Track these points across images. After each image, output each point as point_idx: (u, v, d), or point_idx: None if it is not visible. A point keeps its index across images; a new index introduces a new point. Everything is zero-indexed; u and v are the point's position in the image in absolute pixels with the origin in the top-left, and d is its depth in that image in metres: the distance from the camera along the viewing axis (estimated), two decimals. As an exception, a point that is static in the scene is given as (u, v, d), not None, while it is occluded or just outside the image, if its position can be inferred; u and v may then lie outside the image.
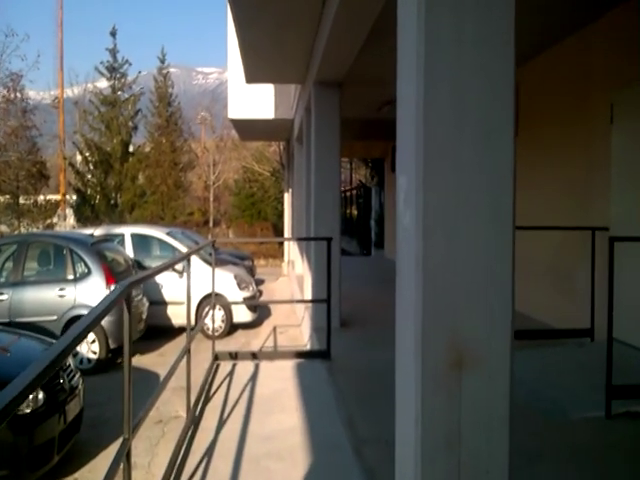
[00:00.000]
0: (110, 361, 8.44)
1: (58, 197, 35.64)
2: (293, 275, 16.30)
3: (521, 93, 8.74)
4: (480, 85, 2.29)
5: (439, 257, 2.24)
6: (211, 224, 37.54)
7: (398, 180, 2.55)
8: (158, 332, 10.28)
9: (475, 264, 2.24)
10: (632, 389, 4.35)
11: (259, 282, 18.60)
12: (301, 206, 12.72)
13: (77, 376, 5.38)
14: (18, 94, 30.98)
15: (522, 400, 4.18)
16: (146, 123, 36.41)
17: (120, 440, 2.78)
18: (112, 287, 8.22)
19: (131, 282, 2.72)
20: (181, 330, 10.62)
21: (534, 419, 4.26)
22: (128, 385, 2.70)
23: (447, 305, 2.23)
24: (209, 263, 10.67)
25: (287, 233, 20.70)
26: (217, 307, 10.48)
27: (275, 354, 6.30)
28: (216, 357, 6.17)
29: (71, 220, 34.16)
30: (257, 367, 6.03)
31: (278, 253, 27.65)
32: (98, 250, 8.53)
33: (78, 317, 8.15)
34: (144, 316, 9.21)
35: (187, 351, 4.37)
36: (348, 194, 31.83)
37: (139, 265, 10.47)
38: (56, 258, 8.67)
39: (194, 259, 10.51)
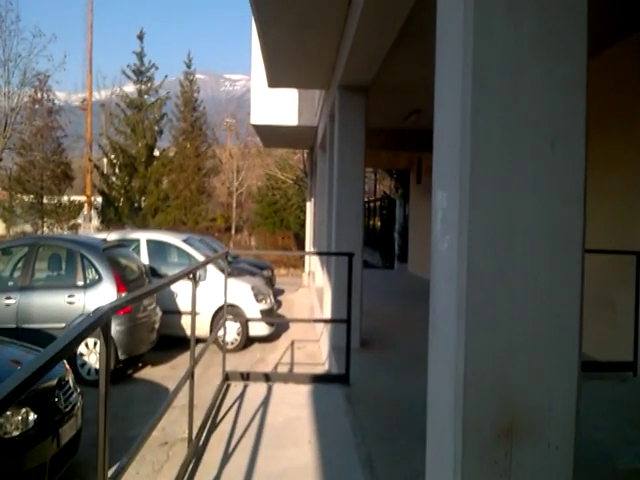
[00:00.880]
0: (120, 373, 8.08)
1: (82, 198, 35.71)
2: (313, 287, 15.89)
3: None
4: (542, 87, 1.86)
5: (487, 293, 1.81)
6: (233, 231, 37.28)
7: (435, 196, 2.13)
8: (171, 342, 9.92)
9: (533, 303, 1.79)
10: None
11: (278, 292, 18.23)
12: (323, 216, 12.31)
13: (75, 394, 5.00)
14: (45, 94, 31.18)
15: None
16: (171, 127, 36.35)
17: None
18: (123, 295, 7.87)
19: (111, 307, 2.31)
20: (196, 341, 10.25)
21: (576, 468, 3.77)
22: (103, 434, 2.28)
23: (496, 354, 1.79)
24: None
25: (308, 243, 20.30)
26: (233, 319, 10.11)
27: (290, 377, 5.88)
28: (227, 377, 5.76)
29: (95, 222, 34.16)
30: (270, 390, 5.61)
31: (299, 263, 27.25)
32: (110, 256, 8.19)
33: (86, 326, 7.81)
34: (156, 326, 8.85)
35: (190, 376, 3.96)
36: (372, 205, 31.37)
37: (154, 272, 10.12)
38: (66, 263, 8.34)
39: (210, 268, 10.15)
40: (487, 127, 1.84)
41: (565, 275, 1.80)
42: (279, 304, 15.80)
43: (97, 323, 2.17)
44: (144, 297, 3.11)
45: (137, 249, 10.28)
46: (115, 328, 7.67)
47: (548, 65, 1.87)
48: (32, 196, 31.68)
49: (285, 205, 36.61)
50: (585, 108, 1.88)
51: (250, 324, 10.14)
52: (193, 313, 4.13)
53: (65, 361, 5.19)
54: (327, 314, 9.54)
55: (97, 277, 7.90)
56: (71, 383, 5.08)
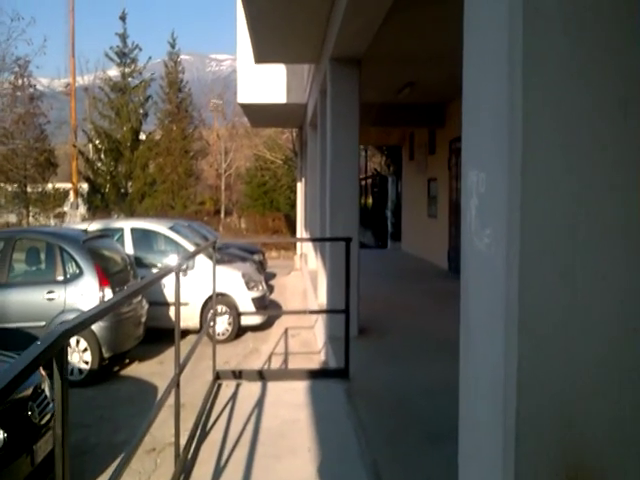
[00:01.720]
0: (104, 371, 7.65)
1: (67, 186, 35.01)
2: (306, 270, 15.47)
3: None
4: (617, 41, 1.41)
5: (545, 305, 1.37)
6: (222, 214, 36.71)
7: (466, 178, 1.69)
8: (159, 335, 9.48)
9: (608, 319, 1.36)
10: None
11: (270, 276, 17.80)
12: (315, 197, 11.85)
13: (51, 405, 4.55)
14: (25, 80, 30.34)
15: None
16: (156, 110, 35.59)
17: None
18: (106, 289, 7.41)
19: (66, 330, 1.86)
20: (185, 333, 9.82)
21: None
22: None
23: (558, 387, 1.36)
24: (216, 261, 9.85)
25: (300, 225, 19.83)
26: (224, 308, 9.67)
27: (285, 373, 5.47)
28: (217, 376, 5.34)
29: (82, 209, 33.51)
30: (264, 388, 5.19)
31: (291, 245, 26.78)
32: (91, 248, 7.70)
33: (68, 322, 7.35)
34: (143, 319, 8.41)
35: (176, 385, 3.52)
36: (363, 183, 30.86)
37: (140, 263, 9.65)
38: (45, 257, 7.86)
39: (199, 256, 9.68)
40: (544, 90, 1.40)
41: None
42: (271, 289, 15.38)
43: (49, 351, 1.71)
44: (111, 309, 2.63)
45: (121, 239, 9.79)
46: (98, 324, 7.21)
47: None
48: (15, 185, 30.95)
49: (275, 186, 36.05)
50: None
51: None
52: (177, 314, 3.68)
53: (41, 367, 4.76)
54: (322, 300, 9.13)
55: (78, 271, 7.42)
56: (47, 391, 4.63)
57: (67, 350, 1.89)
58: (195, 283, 9.29)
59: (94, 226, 9.38)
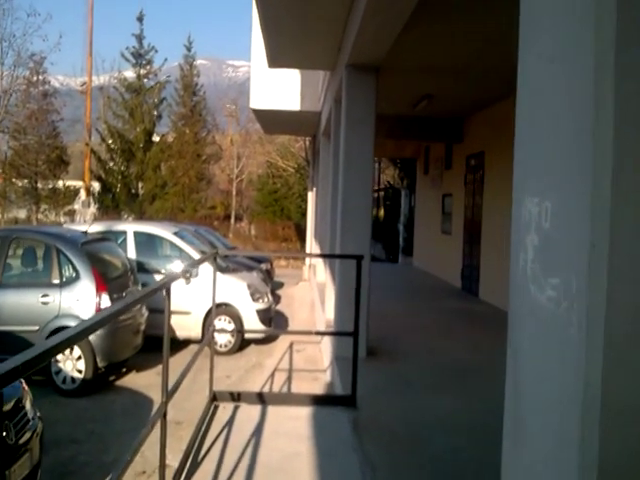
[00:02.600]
0: (98, 381, 7.29)
1: (78, 183, 34.87)
2: (314, 281, 15.10)
3: None
4: None
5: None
6: (232, 220, 36.41)
7: (520, 206, 1.32)
8: (159, 344, 9.13)
9: None
10: None
11: (278, 285, 17.45)
12: (326, 208, 11.50)
13: (32, 421, 4.20)
14: (40, 77, 30.27)
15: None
16: (170, 112, 35.46)
17: None
18: (103, 295, 7.08)
19: (12, 369, 1.49)
20: (186, 343, 9.47)
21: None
22: None
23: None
24: (220, 268, 9.52)
25: (309, 235, 19.48)
26: (227, 320, 9.32)
27: (287, 398, 5.10)
28: (214, 397, 4.97)
29: (92, 208, 33.37)
30: (264, 414, 4.82)
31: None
32: (90, 251, 7.37)
33: (63, 329, 7.00)
34: (142, 327, 8.06)
35: (162, 416, 3.16)
36: (375, 195, 30.49)
37: (142, 268, 9.32)
38: (40, 258, 7.52)
39: (203, 264, 9.36)
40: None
41: None
42: (278, 299, 15.03)
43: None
44: (90, 332, 2.27)
45: (123, 242, 9.47)
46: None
47: None
48: (26, 181, 30.81)
49: (286, 194, 35.72)
50: None
51: (246, 324, 9.35)
52: (167, 338, 3.32)
53: (23, 380, 4.41)
54: (329, 315, 8.76)
55: (74, 274, 7.09)
56: (28, 407, 4.28)
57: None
58: (198, 291, 8.95)
59: (95, 228, 9.05)
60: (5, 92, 25.72)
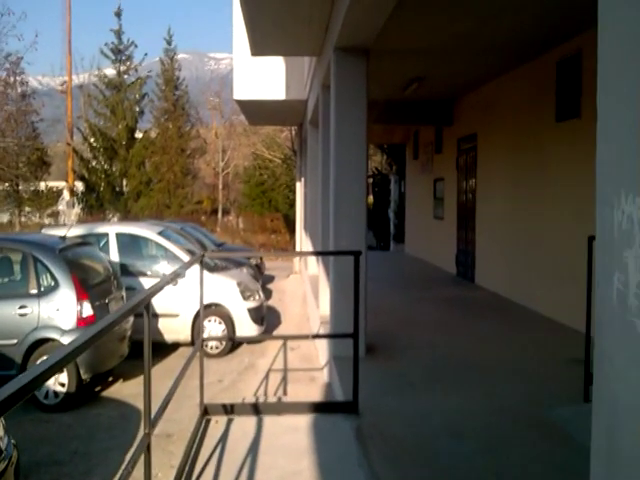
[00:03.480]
0: (83, 393, 6.89)
1: (60, 184, 34.28)
2: (306, 274, 14.73)
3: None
4: None
5: None
6: (220, 214, 35.92)
7: (607, 207, 0.95)
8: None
9: None
10: None
11: (268, 279, 17.09)
12: (316, 199, 11.11)
13: (4, 453, 3.81)
14: (17, 78, 29.55)
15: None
16: (152, 108, 34.87)
17: None
18: (84, 304, 6.67)
19: None
20: (175, 347, 9.09)
21: None
22: None
23: None
24: (209, 267, 9.13)
25: (299, 226, 19.08)
26: (217, 320, 8.94)
27: (283, 406, 4.73)
28: (205, 411, 4.59)
29: (77, 208, 32.80)
30: (260, 426, 4.46)
31: (290, 246, 26.10)
32: (68, 257, 6.94)
33: (43, 341, 6.62)
34: (128, 334, 7.66)
35: (146, 448, 2.78)
36: (363, 182, 30.02)
37: (126, 271, 8.91)
38: (16, 267, 7.09)
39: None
40: None
41: None
42: (269, 293, 14.67)
43: None
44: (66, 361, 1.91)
45: (106, 245, 9.05)
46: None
47: None
48: (7, 184, 30.17)
49: (273, 185, 35.24)
50: None
51: (237, 324, 8.98)
52: (147, 359, 2.94)
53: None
54: (324, 310, 8.39)
55: (53, 283, 6.67)
56: (1, 434, 3.89)
57: None
58: (186, 292, 8.57)
59: (74, 231, 8.61)
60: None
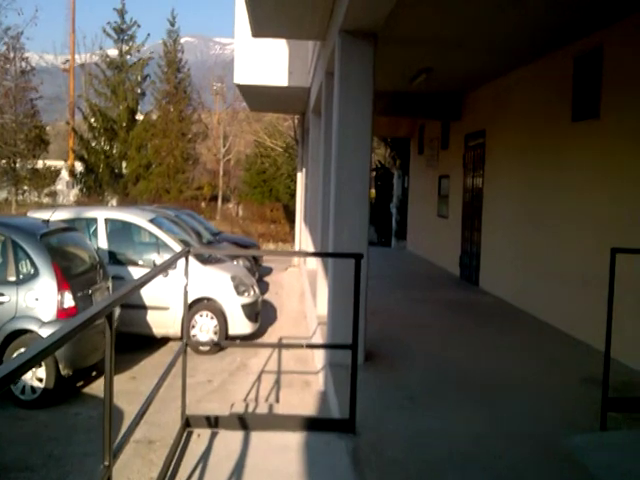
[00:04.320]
0: (63, 389, 6.49)
1: (59, 163, 33.84)
2: (304, 268, 14.31)
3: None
4: None
5: None
6: (219, 201, 35.45)
7: None
8: (134, 342, 8.35)
9: None
10: None
11: (266, 272, 16.69)
12: (316, 191, 10.68)
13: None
14: (17, 53, 29.06)
15: None
16: (154, 90, 34.32)
17: None
18: (65, 294, 6.25)
19: None
20: (165, 340, 8.69)
21: None
22: None
23: None
24: (202, 260, 8.73)
25: (299, 217, 18.66)
26: (209, 316, 8.54)
27: (274, 421, 4.31)
28: (187, 422, 4.18)
29: (75, 189, 32.40)
30: (247, 442, 4.05)
31: (289, 237, 25.68)
32: (50, 244, 6.53)
33: (21, 332, 6.21)
34: (114, 326, 7.22)
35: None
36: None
37: (114, 259, 8.51)
38: (-5, 253, 6.68)
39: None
40: None
41: None
42: (266, 286, 14.28)
43: None
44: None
45: (94, 230, 8.63)
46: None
47: None
48: (4, 161, 29.70)
49: (274, 174, 34.77)
50: None
51: (230, 320, 8.57)
52: (109, 375, 2.52)
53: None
54: (321, 310, 7.99)
55: (33, 271, 6.24)
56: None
57: None
58: (177, 284, 8.15)
59: (60, 215, 8.17)
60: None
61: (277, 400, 6.32)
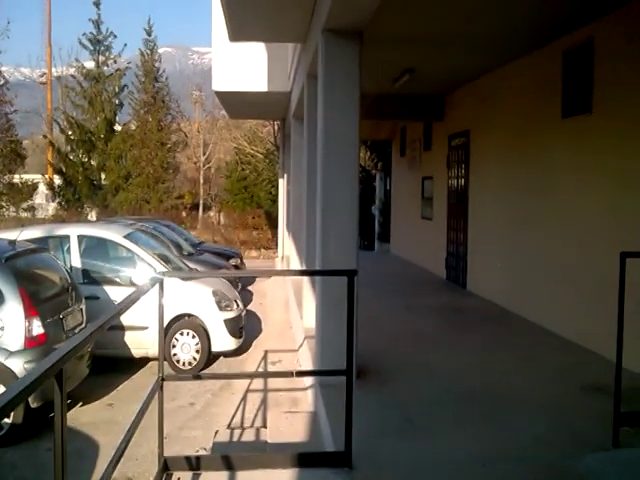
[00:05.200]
0: (33, 423, 6.04)
1: (36, 177, 33.22)
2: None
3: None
4: None
5: None
6: (200, 209, 34.96)
7: None
8: (111, 364, 7.93)
9: None
10: None
11: (249, 281, 16.29)
12: (300, 199, 10.32)
13: None
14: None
15: None
16: (132, 100, 33.78)
17: None
18: (34, 321, 5.83)
19: None
20: (144, 361, 8.26)
21: None
22: None
23: None
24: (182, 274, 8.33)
25: (282, 225, 18.30)
26: (190, 334, 8.14)
27: (261, 460, 3.93)
28: (165, 465, 3.79)
29: (54, 203, 31.81)
30: (232, 483, 3.67)
31: (271, 243, 25.28)
32: (17, 267, 6.10)
33: (-15, 363, 5.78)
34: (89, 349, 6.83)
35: None
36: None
37: (89, 278, 8.08)
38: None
39: (160, 270, 8.17)
40: None
41: None
42: (249, 296, 13.90)
43: None
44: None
45: (67, 248, 8.19)
46: (23, 366, 5.65)
47: None
48: (-22, 177, 29.04)
49: (255, 180, 34.34)
50: None
51: (213, 337, 8.18)
52: (59, 437, 2.14)
53: None
54: (308, 322, 7.64)
55: (-2, 297, 5.83)
56: None
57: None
58: (155, 302, 7.72)
59: (29, 234, 7.73)
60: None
61: (264, 424, 5.93)
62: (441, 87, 11.94)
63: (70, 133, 31.70)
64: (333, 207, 5.41)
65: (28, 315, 5.76)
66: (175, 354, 8.06)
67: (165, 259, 8.97)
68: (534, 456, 4.12)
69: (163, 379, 3.69)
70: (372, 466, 3.88)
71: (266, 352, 8.71)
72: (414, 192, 15.29)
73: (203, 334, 8.10)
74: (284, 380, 7.42)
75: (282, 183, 18.48)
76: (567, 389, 5.51)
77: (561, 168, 7.70)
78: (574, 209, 7.34)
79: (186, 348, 8.08)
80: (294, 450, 4.16)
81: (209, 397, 7.17)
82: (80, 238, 8.27)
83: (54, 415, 2.10)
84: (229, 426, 6.09)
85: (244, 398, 7.02)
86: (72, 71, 33.54)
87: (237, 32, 7.38)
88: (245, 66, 11.78)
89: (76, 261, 8.10)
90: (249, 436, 5.56)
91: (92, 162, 32.11)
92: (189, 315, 8.14)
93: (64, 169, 31.50)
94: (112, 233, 8.46)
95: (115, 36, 32.74)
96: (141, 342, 7.91)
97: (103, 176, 32.53)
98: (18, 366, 5.65)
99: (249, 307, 12.57)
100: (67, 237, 8.23)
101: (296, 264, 12.85)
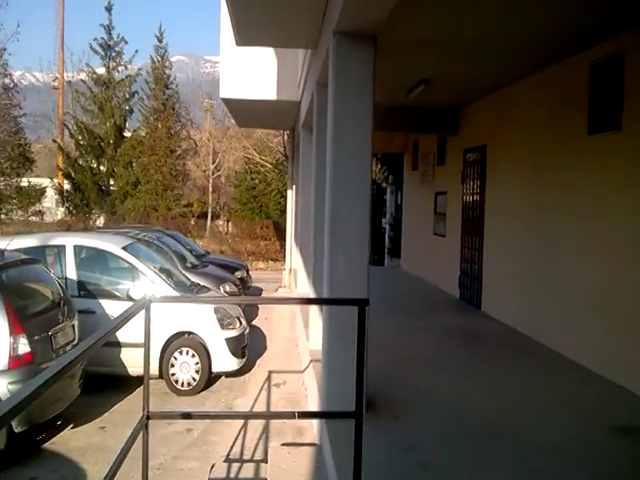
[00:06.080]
0: (18, 448, 5.64)
1: (44, 181, 33.07)
2: (295, 291, 13.53)
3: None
4: None
5: None
6: (209, 218, 34.66)
7: None
8: (105, 383, 7.53)
9: None
10: None
11: (255, 293, 15.90)
12: (308, 211, 9.90)
13: None
14: (1, 69, 28.33)
15: None
16: (142, 107, 33.63)
17: None
18: (20, 338, 5.44)
19: None
20: (141, 380, 7.83)
21: None
22: None
23: None
24: (183, 288, 7.94)
25: (290, 236, 17.91)
26: (190, 353, 7.73)
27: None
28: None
29: (61, 208, 31.62)
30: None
31: (279, 255, 24.90)
32: (2, 280, 5.70)
33: (-33, 383, 5.38)
34: (81, 367, 6.42)
35: None
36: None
37: (85, 291, 7.69)
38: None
39: (160, 284, 7.79)
40: None
41: None
42: (255, 310, 13.46)
43: None
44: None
45: (62, 258, 7.80)
46: (7, 388, 5.24)
47: None
48: (-14, 180, 28.85)
49: (264, 190, 34.04)
50: None
51: (214, 357, 7.76)
52: None
53: None
54: (314, 345, 7.21)
55: (-19, 312, 5.44)
56: None
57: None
58: (153, 319, 7.32)
59: (22, 243, 7.35)
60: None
61: (265, 457, 5.50)
62: (457, 99, 11.53)
63: (79, 138, 31.57)
64: (343, 222, 4.98)
65: (13, 332, 5.36)
66: (174, 374, 7.65)
67: (166, 272, 8.57)
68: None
69: (148, 417, 3.27)
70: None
71: (270, 373, 8.28)
72: (426, 207, 14.87)
73: (203, 353, 7.69)
74: (287, 404, 7.01)
75: (291, 194, 18.10)
76: (595, 430, 5.05)
77: (585, 187, 7.26)
78: (600, 231, 6.90)
79: (185, 368, 7.66)
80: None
81: (208, 422, 6.74)
82: (76, 248, 7.88)
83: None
84: (227, 458, 5.65)
85: (245, 424, 6.58)
86: (83, 76, 33.46)
87: (243, 36, 7.00)
88: (254, 73, 11.43)
89: (72, 273, 7.71)
90: (247, 472, 5.14)
91: (101, 168, 31.97)
92: (189, 333, 7.74)
93: (73, 174, 31.37)
94: (110, 244, 8.06)
95: (126, 42, 32.67)
96: (137, 360, 7.47)
97: (112, 182, 32.36)
98: (1, 388, 5.25)
99: (254, 322, 12.17)
100: (63, 247, 7.85)
101: (303, 279, 12.44)
